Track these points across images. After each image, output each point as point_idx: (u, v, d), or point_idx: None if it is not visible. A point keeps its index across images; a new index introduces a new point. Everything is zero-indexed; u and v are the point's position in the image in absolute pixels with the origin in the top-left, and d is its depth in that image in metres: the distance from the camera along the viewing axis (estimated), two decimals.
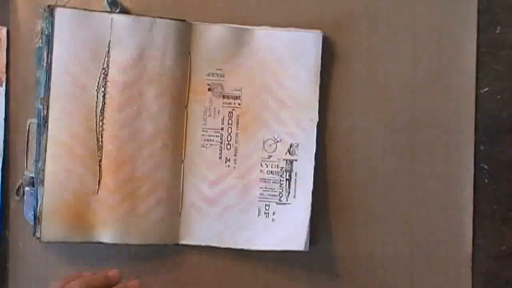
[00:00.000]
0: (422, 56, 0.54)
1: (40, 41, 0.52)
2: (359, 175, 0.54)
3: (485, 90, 0.55)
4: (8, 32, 0.54)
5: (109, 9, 0.52)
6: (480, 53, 0.54)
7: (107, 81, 0.52)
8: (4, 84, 0.54)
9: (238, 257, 0.53)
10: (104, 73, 0.52)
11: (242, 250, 0.53)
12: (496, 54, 0.54)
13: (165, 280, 0.54)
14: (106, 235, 0.52)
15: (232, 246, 0.53)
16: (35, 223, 0.52)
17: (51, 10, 0.51)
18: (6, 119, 0.54)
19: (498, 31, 0.54)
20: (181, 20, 0.53)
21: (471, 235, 0.54)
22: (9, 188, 0.54)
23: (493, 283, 0.54)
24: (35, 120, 0.52)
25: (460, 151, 0.54)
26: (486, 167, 0.54)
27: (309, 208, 0.52)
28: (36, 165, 0.52)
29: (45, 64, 0.52)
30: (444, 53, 0.54)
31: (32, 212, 0.52)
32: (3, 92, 0.54)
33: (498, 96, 0.55)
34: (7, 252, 0.54)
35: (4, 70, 0.54)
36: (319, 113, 0.53)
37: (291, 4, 0.54)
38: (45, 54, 0.52)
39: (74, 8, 0.52)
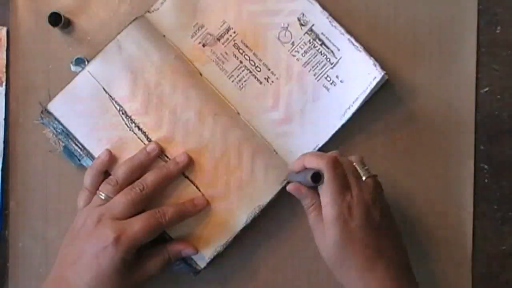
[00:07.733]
0: (422, 56, 0.54)
1: (61, 142, 0.52)
2: None
3: (485, 90, 0.55)
4: (8, 32, 0.54)
5: (80, 69, 0.53)
6: (480, 53, 0.54)
7: (130, 115, 0.52)
8: (4, 84, 0.54)
9: (237, 258, 0.54)
10: (122, 113, 0.52)
11: (241, 250, 0.53)
12: (496, 54, 0.54)
13: None
14: (242, 220, 0.52)
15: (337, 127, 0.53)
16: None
17: (45, 110, 0.52)
18: (6, 119, 0.54)
19: (498, 31, 0.54)
20: (133, 20, 0.53)
21: (471, 235, 0.54)
22: (9, 188, 0.54)
23: (493, 283, 0.54)
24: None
25: (460, 151, 0.54)
26: (486, 167, 0.54)
27: (357, 43, 0.52)
28: None
29: (82, 153, 0.52)
30: (444, 53, 0.54)
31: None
32: (3, 92, 0.54)
33: (498, 96, 0.55)
34: (7, 252, 0.54)
35: (4, 70, 0.54)
36: None
37: None
38: (73, 145, 0.52)
39: (58, 92, 0.52)
